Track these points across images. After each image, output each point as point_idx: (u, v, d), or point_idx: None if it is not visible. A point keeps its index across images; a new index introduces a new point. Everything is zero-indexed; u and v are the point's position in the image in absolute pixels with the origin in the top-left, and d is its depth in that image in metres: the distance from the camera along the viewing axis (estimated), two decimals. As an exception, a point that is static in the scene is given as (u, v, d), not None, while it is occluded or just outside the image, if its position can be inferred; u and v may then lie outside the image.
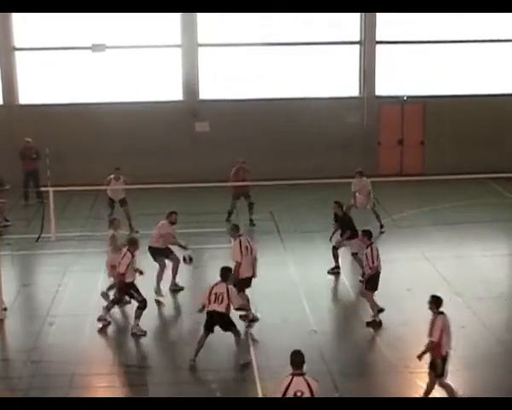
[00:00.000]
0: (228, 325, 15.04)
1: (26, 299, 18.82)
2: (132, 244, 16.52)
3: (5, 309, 17.27)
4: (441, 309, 13.11)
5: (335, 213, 19.96)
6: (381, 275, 16.72)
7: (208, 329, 15.00)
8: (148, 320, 16.62)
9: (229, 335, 15.30)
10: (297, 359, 11.53)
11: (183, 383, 14.43)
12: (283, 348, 15.33)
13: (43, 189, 22.83)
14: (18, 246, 21.76)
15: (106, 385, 14.58)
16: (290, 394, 11.05)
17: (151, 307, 17.07)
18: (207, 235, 21.95)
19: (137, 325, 16.23)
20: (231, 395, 13.87)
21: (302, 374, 11.28)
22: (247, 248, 16.72)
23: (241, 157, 23.64)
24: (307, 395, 11.03)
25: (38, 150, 26.00)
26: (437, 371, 13.05)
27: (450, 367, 14.55)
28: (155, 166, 27.29)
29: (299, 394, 11.04)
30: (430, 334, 12.99)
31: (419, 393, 13.74)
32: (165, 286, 18.42)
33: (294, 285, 18.75)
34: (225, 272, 15.22)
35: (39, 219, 22.35)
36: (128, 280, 16.27)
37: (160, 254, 18.38)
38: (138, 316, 16.22)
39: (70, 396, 13.63)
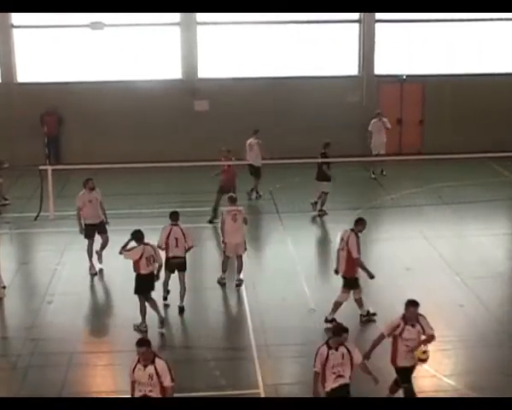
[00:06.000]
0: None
1: (24, 277, 18.86)
2: None
3: (4, 287, 17.28)
4: None
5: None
6: (377, 254, 16.70)
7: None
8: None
9: (227, 313, 15.39)
10: (174, 215, 16.31)
11: (180, 361, 14.46)
12: (282, 327, 15.49)
13: (41, 167, 22.78)
14: (16, 224, 21.77)
15: (104, 363, 14.63)
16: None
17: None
18: (206, 214, 21.91)
19: None
20: (229, 374, 13.91)
21: (177, 225, 16.19)
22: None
23: (225, 146, 22.55)
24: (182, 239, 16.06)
25: (61, 117, 27.47)
26: None
27: (448, 346, 14.68)
28: (154, 145, 27.22)
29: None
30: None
31: (417, 371, 13.80)
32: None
33: (293, 264, 18.76)
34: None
35: (38, 197, 22.32)
36: None
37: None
38: None
39: (68, 394, 13.54)
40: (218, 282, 17.63)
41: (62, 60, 27.94)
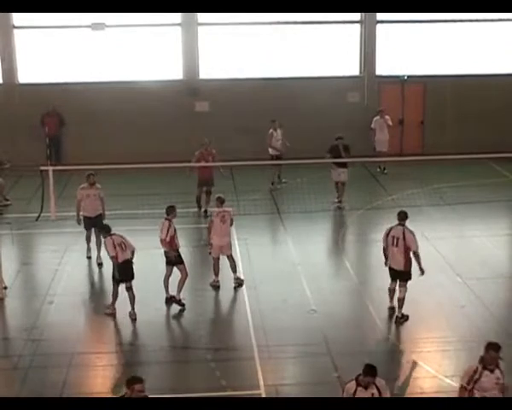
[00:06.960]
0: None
1: (26, 278, 18.84)
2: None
3: (5, 288, 17.30)
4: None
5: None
6: (378, 255, 16.64)
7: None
8: (145, 299, 16.65)
9: (228, 314, 15.35)
10: (167, 210, 16.72)
11: (181, 362, 14.47)
12: (283, 328, 15.49)
13: (42, 168, 22.80)
14: (18, 225, 21.74)
15: (105, 364, 14.62)
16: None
17: (146, 288, 17.12)
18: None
19: None
20: (230, 374, 13.90)
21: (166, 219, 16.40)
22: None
23: (207, 138, 23.12)
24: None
25: (62, 117, 27.62)
26: None
27: (449, 347, 14.67)
28: (155, 146, 27.23)
29: None
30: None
31: (418, 372, 13.81)
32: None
33: (294, 265, 18.76)
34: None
35: (39, 198, 22.32)
36: None
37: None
38: None
39: (69, 395, 13.55)
40: (211, 285, 17.54)
41: (63, 60, 27.93)
